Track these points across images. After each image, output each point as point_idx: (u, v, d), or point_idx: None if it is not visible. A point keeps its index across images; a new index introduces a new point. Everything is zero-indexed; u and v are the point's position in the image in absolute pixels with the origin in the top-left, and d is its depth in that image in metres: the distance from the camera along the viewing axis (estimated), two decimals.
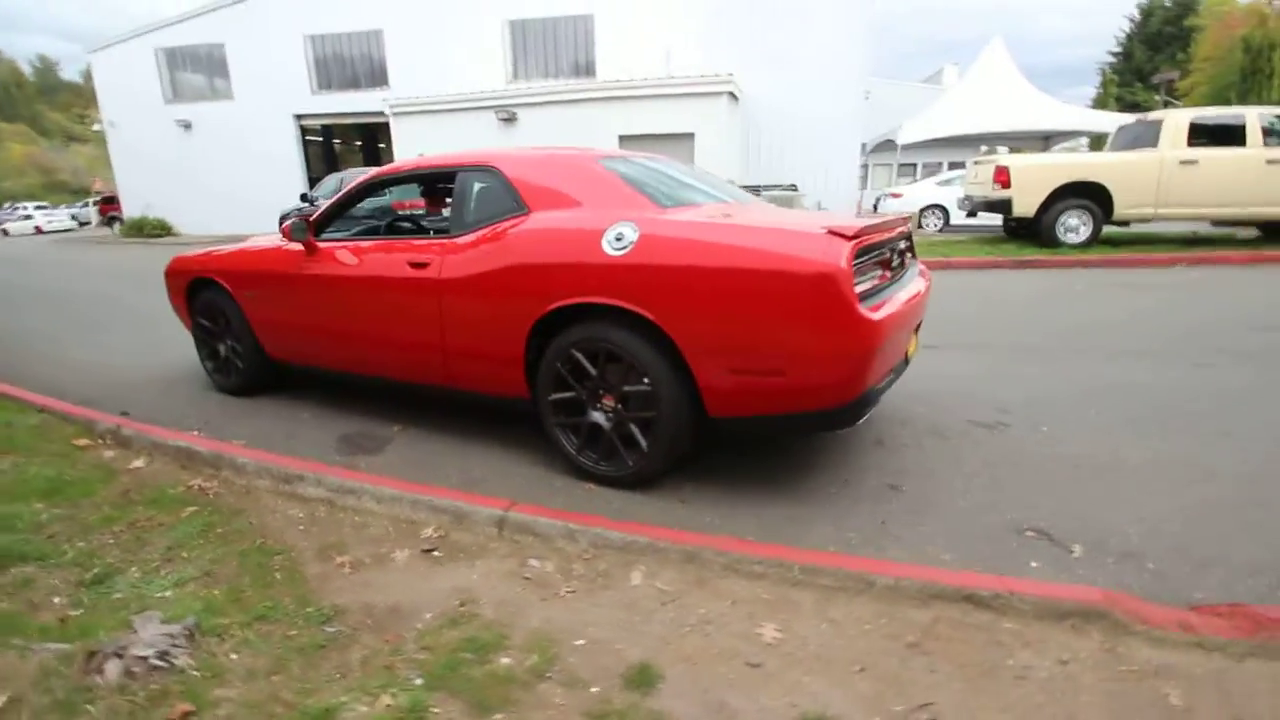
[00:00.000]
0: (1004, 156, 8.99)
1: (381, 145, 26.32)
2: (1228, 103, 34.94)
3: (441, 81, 16.08)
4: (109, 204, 24.57)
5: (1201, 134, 8.11)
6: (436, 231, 3.21)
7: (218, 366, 3.96)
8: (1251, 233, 9.36)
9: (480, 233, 2.70)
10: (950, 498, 2.41)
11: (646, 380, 2.33)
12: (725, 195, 3.05)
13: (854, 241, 2.06)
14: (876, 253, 2.35)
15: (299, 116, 18.72)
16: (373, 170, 3.27)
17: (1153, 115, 8.81)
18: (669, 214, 2.42)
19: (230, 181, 18.93)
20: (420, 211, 4.94)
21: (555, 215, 2.54)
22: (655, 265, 2.24)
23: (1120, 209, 8.40)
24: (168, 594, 1.87)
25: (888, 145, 19.71)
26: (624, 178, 2.64)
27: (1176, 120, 8.19)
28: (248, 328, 3.64)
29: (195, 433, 3.22)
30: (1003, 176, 8.71)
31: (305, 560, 2.05)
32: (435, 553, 2.05)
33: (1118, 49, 53.05)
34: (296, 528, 2.27)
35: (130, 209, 20.57)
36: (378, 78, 18.05)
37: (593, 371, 2.46)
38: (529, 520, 2.08)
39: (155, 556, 2.09)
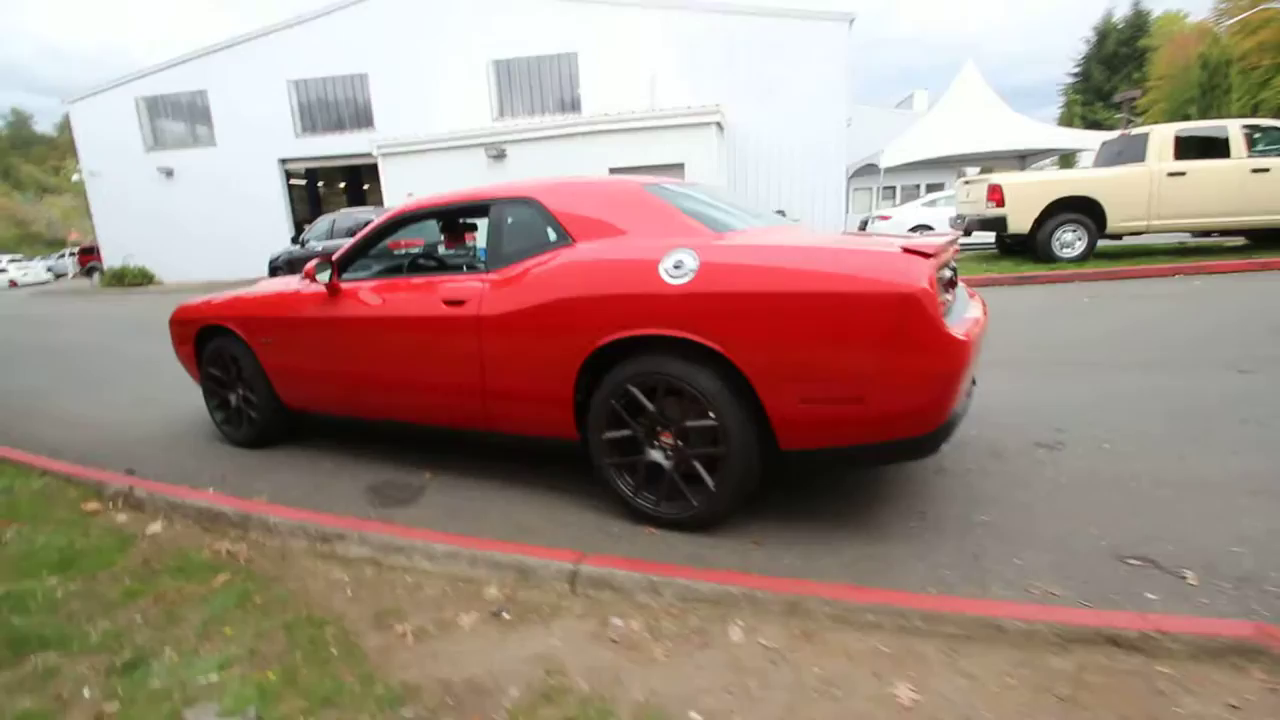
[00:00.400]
0: (997, 175, 9.11)
1: (366, 186, 26.39)
2: (1187, 118, 36.41)
3: (427, 122, 16.18)
4: (88, 254, 24.19)
5: (1187, 146, 8.29)
6: (469, 267, 3.09)
7: (228, 418, 3.75)
8: (1239, 241, 9.53)
9: (521, 266, 2.58)
10: (1037, 525, 2.28)
11: (712, 415, 2.20)
12: (766, 220, 2.97)
13: (933, 260, 1.97)
14: (942, 272, 2.26)
15: (283, 160, 18.68)
16: (398, 206, 3.14)
17: (1137, 130, 9.01)
18: (726, 239, 2.32)
19: (213, 228, 18.76)
20: (427, 244, 4.79)
21: (603, 245, 2.43)
22: (720, 293, 2.13)
23: (1114, 222, 8.51)
24: (213, 678, 1.66)
25: (868, 170, 20.02)
26: (671, 203, 2.54)
27: (1163, 134, 8.37)
28: (262, 376, 3.46)
29: (211, 490, 3.01)
30: (996, 195, 8.81)
31: (360, 631, 1.86)
32: (504, 615, 1.87)
33: (1076, 70, 55.25)
34: (343, 593, 2.08)
35: (111, 259, 20.25)
36: (363, 120, 18.12)
37: (650, 407, 2.32)
38: (604, 574, 1.91)
39: (191, 634, 1.89)
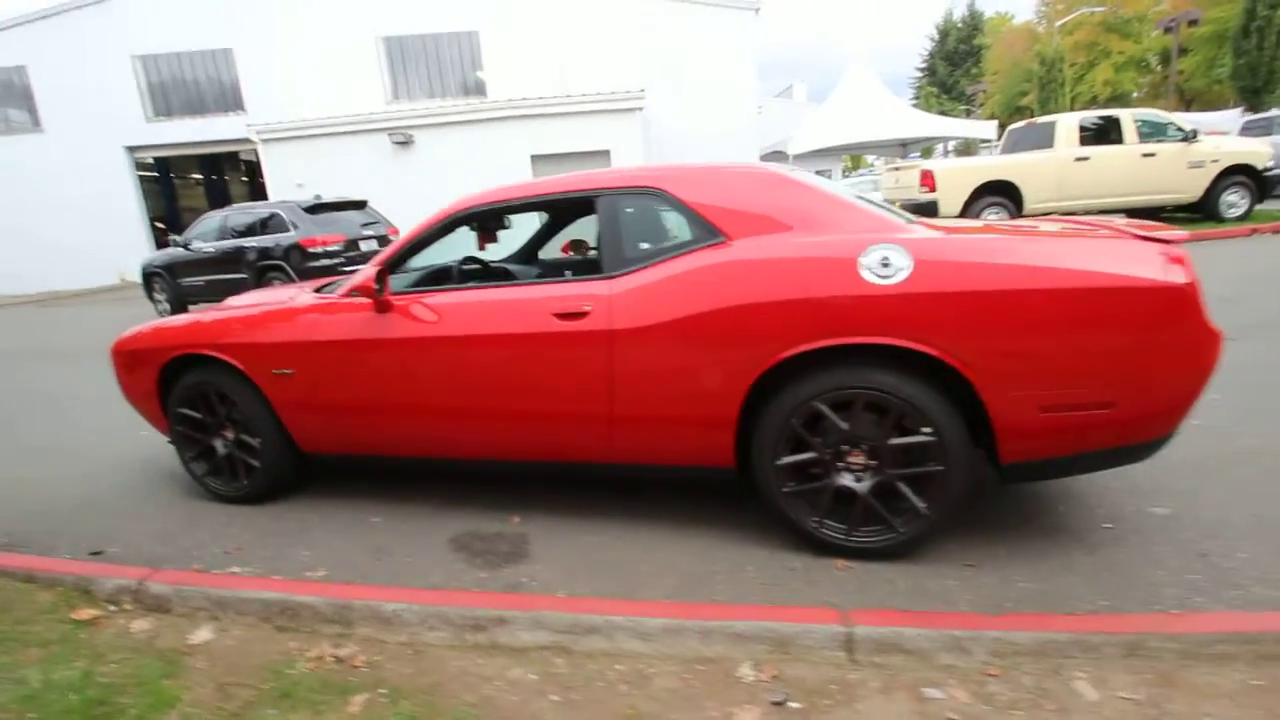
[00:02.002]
0: (927, 162, 9.58)
1: (227, 178, 23.49)
2: (1019, 109, 40.80)
3: (309, 104, 14.52)
4: None
5: (1088, 134, 9.13)
6: (551, 270, 2.61)
7: (215, 469, 3.00)
8: (1121, 219, 10.70)
9: (659, 270, 2.18)
10: (1218, 513, 2.25)
11: (928, 430, 1.96)
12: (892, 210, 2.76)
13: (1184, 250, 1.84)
14: None
15: (132, 149, 16.06)
16: (460, 199, 2.57)
17: (1043, 119, 9.82)
18: (918, 232, 2.06)
19: (44, 228, 15.81)
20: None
21: (774, 242, 2.09)
22: (943, 293, 1.88)
23: (1030, 203, 9.23)
24: None
25: (771, 156, 20.68)
26: (835, 192, 2.25)
27: (1068, 123, 9.17)
28: (270, 415, 2.77)
29: (236, 570, 2.36)
30: (929, 180, 9.26)
31: None
32: (790, 703, 1.52)
33: (923, 65, 60.51)
34: (545, 699, 1.62)
35: None
36: (230, 102, 15.99)
37: (843, 426, 2.04)
38: (889, 634, 1.62)
39: None
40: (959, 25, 57.75)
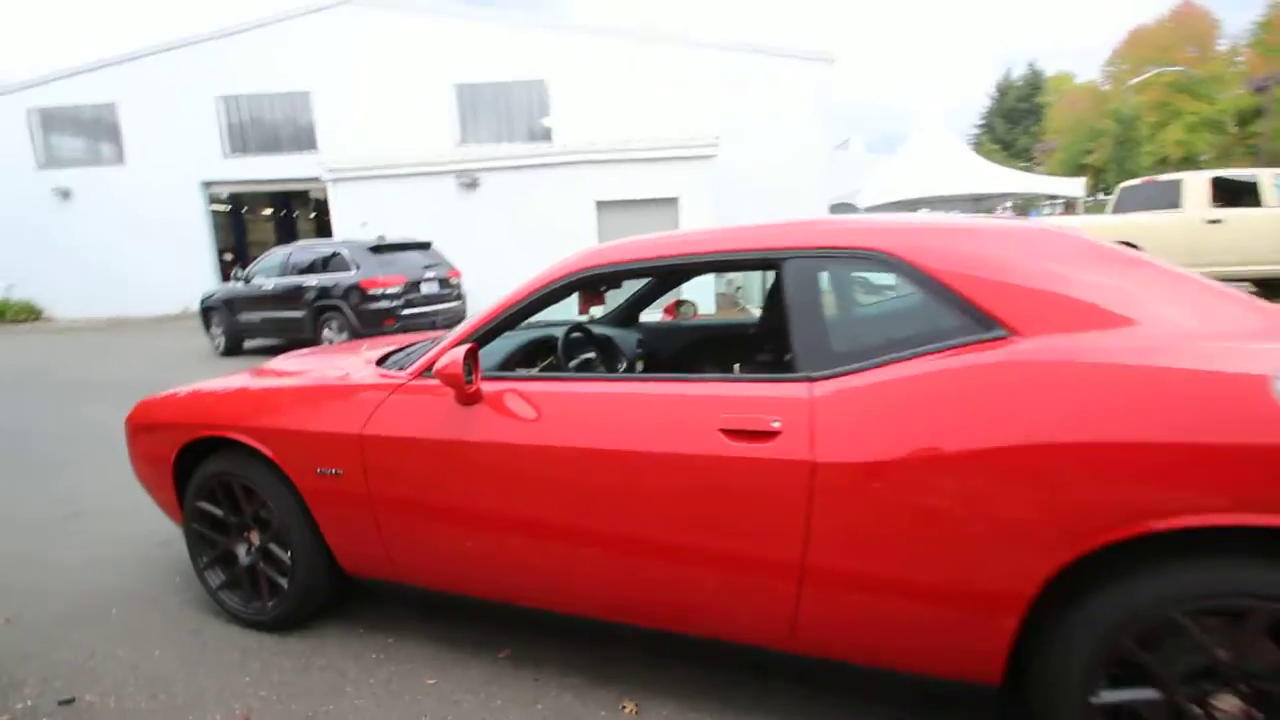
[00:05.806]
0: (1045, 220, 8.72)
1: (296, 214, 24.14)
2: (1083, 167, 39.37)
3: (381, 146, 14.62)
4: None
5: (1221, 194, 8.16)
6: (734, 356, 1.89)
7: (234, 581, 2.34)
8: (1250, 288, 9.55)
9: (897, 371, 1.43)
10: None
11: None
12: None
13: None
14: None
15: (207, 184, 16.44)
16: (580, 255, 1.89)
17: (1165, 177, 8.89)
18: None
19: (119, 256, 16.20)
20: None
21: (1103, 344, 1.33)
22: None
23: None
24: None
25: (839, 208, 20.04)
26: (1176, 269, 1.49)
27: (1197, 182, 8.22)
28: (307, 522, 2.10)
29: None
30: None
31: None
32: None
33: (981, 122, 59.82)
34: None
35: None
36: (304, 141, 16.28)
37: (1218, 651, 1.23)
38: None
39: None
40: (1018, 84, 57.11)
